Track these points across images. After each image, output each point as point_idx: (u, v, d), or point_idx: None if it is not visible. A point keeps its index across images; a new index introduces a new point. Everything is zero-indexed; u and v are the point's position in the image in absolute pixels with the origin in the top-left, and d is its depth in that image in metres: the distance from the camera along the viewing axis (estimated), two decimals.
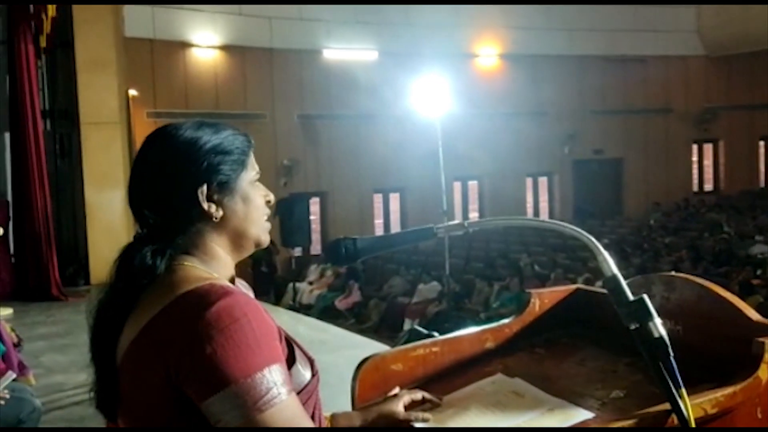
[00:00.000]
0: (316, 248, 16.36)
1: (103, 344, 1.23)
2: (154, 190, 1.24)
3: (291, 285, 13.52)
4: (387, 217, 17.95)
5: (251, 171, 1.30)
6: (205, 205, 1.24)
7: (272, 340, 1.14)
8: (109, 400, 1.24)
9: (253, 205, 1.29)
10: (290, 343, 1.26)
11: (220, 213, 1.25)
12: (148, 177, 1.25)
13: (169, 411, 1.13)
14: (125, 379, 1.19)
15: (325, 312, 13.04)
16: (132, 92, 12.90)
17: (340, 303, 13.53)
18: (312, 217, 15.23)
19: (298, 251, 15.54)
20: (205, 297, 1.12)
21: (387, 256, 15.07)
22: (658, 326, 1.23)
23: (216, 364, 1.07)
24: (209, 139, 1.26)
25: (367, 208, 17.35)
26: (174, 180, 1.23)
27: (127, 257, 1.23)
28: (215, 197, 1.25)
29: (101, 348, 1.24)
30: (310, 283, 14.39)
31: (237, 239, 1.29)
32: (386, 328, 12.21)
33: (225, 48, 15.49)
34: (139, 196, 1.26)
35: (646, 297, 1.25)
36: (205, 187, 1.23)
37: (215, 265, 1.26)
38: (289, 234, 12.18)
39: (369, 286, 14.13)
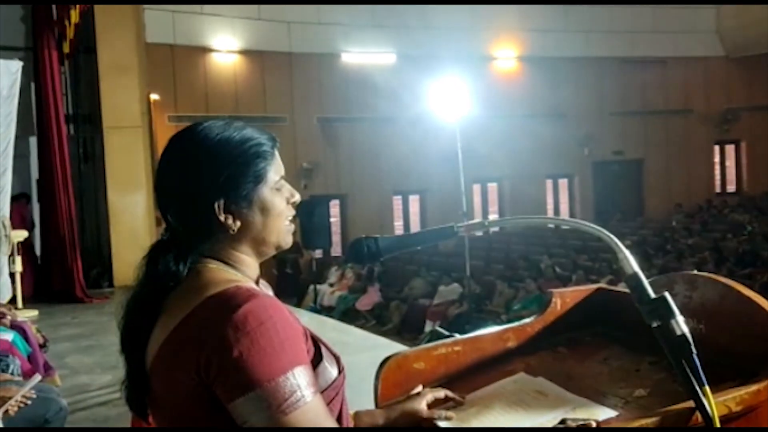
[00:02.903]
0: (336, 250, 16.41)
1: (133, 346, 1.25)
2: (176, 198, 1.25)
3: (312, 287, 13.56)
4: (407, 219, 17.95)
5: (274, 176, 1.29)
6: (222, 218, 1.24)
7: (297, 342, 1.15)
8: (139, 399, 1.26)
9: (272, 213, 1.28)
10: (316, 342, 1.27)
11: (238, 224, 1.25)
12: (170, 184, 1.26)
13: (200, 411, 1.15)
14: (156, 381, 1.21)
15: (346, 314, 13.08)
16: (153, 97, 13.03)
17: (361, 305, 13.55)
18: (332, 220, 15.28)
19: (318, 253, 15.60)
20: (231, 300, 1.14)
21: (407, 257, 15.07)
22: (681, 324, 1.23)
23: (242, 368, 1.09)
24: (232, 147, 1.25)
25: (387, 210, 17.36)
26: (193, 191, 1.23)
27: (152, 260, 1.24)
28: (232, 209, 1.25)
29: (131, 350, 1.25)
30: (331, 285, 14.43)
31: (256, 246, 1.30)
32: (407, 330, 12.21)
33: (244, 52, 15.60)
34: (162, 200, 1.28)
35: (667, 294, 1.25)
36: (222, 201, 1.23)
37: (240, 267, 1.28)
38: (309, 236, 12.21)
39: (390, 287, 14.13)
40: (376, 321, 13.12)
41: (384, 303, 13.55)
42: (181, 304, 1.18)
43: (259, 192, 1.27)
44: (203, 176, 1.23)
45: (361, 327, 10.33)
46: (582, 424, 1.34)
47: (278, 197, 1.30)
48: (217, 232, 1.25)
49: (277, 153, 1.32)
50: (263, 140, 1.29)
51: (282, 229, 1.31)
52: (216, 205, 1.23)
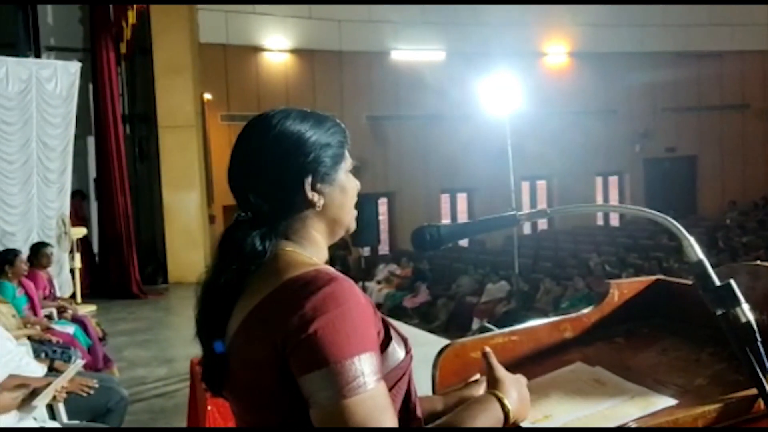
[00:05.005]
0: (384, 248, 16.47)
1: (212, 327, 1.29)
2: (261, 177, 1.30)
3: (360, 284, 13.61)
4: (454, 217, 17.89)
5: (347, 162, 1.38)
6: (310, 195, 1.31)
7: (368, 328, 1.20)
8: (216, 376, 1.31)
9: (348, 194, 1.38)
10: (386, 324, 1.31)
11: (322, 202, 1.32)
12: (256, 163, 1.31)
13: (274, 383, 1.20)
14: (235, 358, 1.26)
15: (394, 311, 13.11)
16: (207, 96, 13.20)
17: (409, 302, 13.59)
18: (380, 218, 15.32)
19: (366, 251, 15.66)
20: (312, 283, 1.19)
21: (455, 255, 15.05)
22: (746, 311, 1.23)
23: (315, 345, 1.14)
24: (315, 131, 1.33)
25: (435, 208, 17.35)
26: (283, 170, 1.30)
27: (234, 239, 1.29)
28: (318, 187, 1.32)
29: (211, 328, 1.30)
30: (379, 283, 14.49)
31: (332, 225, 1.37)
32: (455, 328, 12.18)
33: (295, 51, 15.74)
34: (244, 181, 1.32)
35: (733, 282, 1.24)
36: (310, 178, 1.31)
37: (313, 249, 1.33)
38: (358, 234, 12.24)
39: (437, 285, 14.14)
40: (423, 319, 13.13)
41: (431, 301, 13.56)
42: (261, 286, 1.23)
43: (339, 172, 1.36)
44: (294, 155, 1.30)
45: (409, 324, 10.36)
46: None
47: (350, 181, 1.39)
48: (301, 210, 1.32)
49: (348, 143, 1.40)
50: (339, 127, 1.39)
51: (353, 212, 1.40)
52: (306, 182, 1.30)
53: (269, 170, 1.30)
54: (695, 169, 19.84)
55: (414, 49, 16.62)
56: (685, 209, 19.07)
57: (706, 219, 18.22)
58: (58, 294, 7.52)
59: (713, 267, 1.28)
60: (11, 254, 6.09)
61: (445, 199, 17.87)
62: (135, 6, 10.14)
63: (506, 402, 1.32)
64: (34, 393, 3.36)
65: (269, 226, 1.29)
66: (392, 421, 1.17)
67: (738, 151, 19.43)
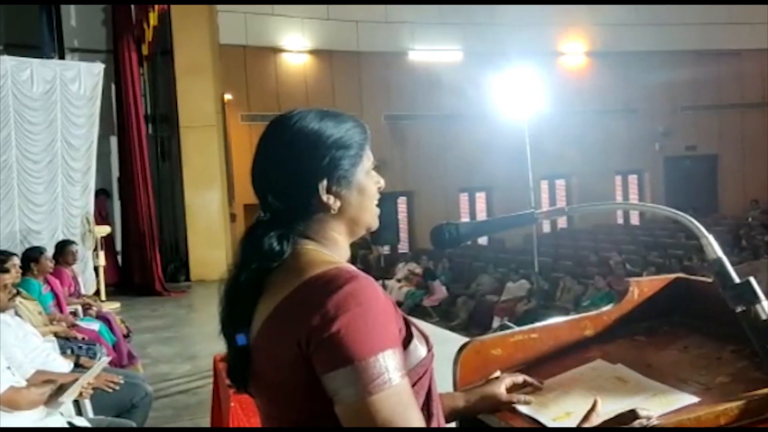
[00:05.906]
0: (403, 246, 16.49)
1: (236, 325, 1.31)
2: (278, 179, 1.31)
3: (380, 282, 13.66)
4: (473, 216, 17.84)
5: (367, 162, 1.37)
6: (325, 197, 1.31)
7: (390, 325, 1.21)
8: (241, 373, 1.32)
9: (367, 195, 1.36)
10: (407, 322, 1.32)
11: (338, 204, 1.33)
12: (273, 166, 1.32)
13: (298, 380, 1.21)
14: (259, 355, 1.27)
15: (414, 309, 13.13)
16: (227, 96, 13.27)
17: (428, 300, 13.62)
18: (399, 216, 15.34)
19: (386, 249, 15.72)
20: (333, 281, 1.20)
21: (475, 254, 15.04)
22: (766, 309, 1.23)
23: (338, 344, 1.15)
24: (332, 133, 1.32)
25: (453, 207, 17.32)
26: (298, 173, 1.30)
27: (254, 240, 1.31)
28: (334, 189, 1.32)
29: (234, 329, 1.31)
30: (399, 281, 14.52)
31: (351, 226, 1.37)
32: (475, 326, 12.17)
33: (314, 52, 15.79)
34: (263, 182, 1.34)
35: (752, 279, 1.25)
36: (325, 181, 1.30)
37: (334, 248, 1.34)
38: (377, 232, 12.30)
39: (457, 284, 14.14)
40: (443, 317, 13.15)
41: (451, 299, 13.57)
42: (284, 283, 1.25)
43: (356, 174, 1.35)
44: (309, 158, 1.30)
45: (429, 322, 10.37)
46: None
47: (370, 181, 1.38)
48: (317, 212, 1.32)
49: (369, 141, 1.39)
50: (360, 126, 1.38)
51: (373, 211, 1.39)
52: (320, 185, 1.30)
53: (285, 172, 1.31)
54: (716, 168, 19.65)
55: (431, 50, 16.61)
56: (706, 207, 18.88)
57: (728, 217, 18.05)
58: (82, 291, 7.61)
59: (736, 265, 1.29)
60: (37, 252, 6.16)
61: (463, 197, 17.85)
62: (156, 8, 10.24)
63: None
64: (61, 389, 3.41)
65: (287, 227, 1.30)
66: (418, 417, 1.18)
67: (759, 149, 19.17)
